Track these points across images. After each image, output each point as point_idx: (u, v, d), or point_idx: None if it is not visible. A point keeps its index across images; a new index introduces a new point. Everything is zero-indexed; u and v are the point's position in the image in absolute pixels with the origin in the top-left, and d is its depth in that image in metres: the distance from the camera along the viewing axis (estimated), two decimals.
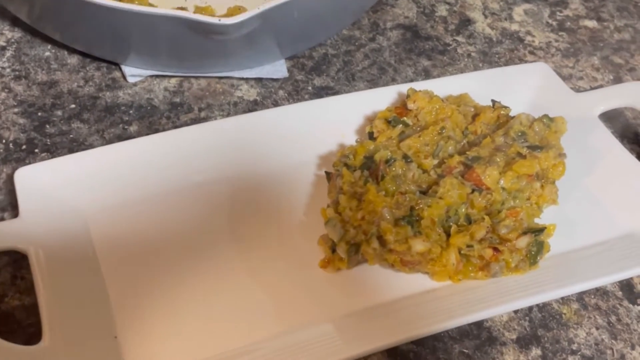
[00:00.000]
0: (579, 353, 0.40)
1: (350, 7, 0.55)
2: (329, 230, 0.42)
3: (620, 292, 0.44)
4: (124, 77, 0.54)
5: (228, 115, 0.52)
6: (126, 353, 0.38)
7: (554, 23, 0.65)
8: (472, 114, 0.49)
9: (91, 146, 0.49)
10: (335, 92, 0.55)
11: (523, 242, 0.41)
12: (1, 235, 0.40)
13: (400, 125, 0.47)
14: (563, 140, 0.47)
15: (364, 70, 0.58)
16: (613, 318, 0.42)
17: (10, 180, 0.45)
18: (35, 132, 0.50)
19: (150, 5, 0.51)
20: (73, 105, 0.52)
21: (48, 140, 0.49)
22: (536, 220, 0.43)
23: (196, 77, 0.55)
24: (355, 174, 0.43)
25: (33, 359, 0.35)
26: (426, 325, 0.39)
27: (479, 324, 0.41)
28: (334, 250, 0.42)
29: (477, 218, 0.42)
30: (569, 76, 0.59)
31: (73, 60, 0.55)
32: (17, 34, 0.57)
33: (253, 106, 0.53)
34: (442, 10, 0.65)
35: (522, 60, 0.60)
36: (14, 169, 0.44)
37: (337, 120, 0.49)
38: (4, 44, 0.56)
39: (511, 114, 0.48)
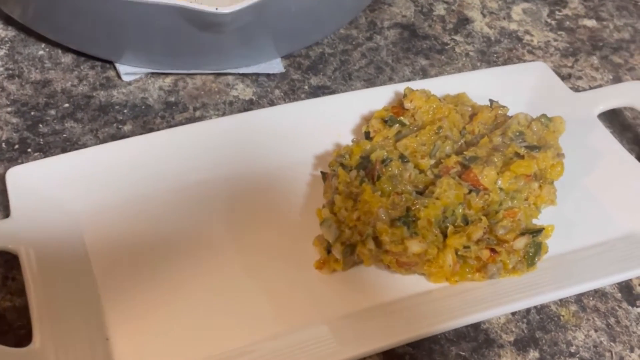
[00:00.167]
0: (578, 355, 0.40)
1: (347, 3, 0.55)
2: (324, 231, 0.41)
3: (619, 294, 0.43)
4: (118, 76, 0.53)
5: (223, 114, 0.52)
6: (118, 355, 0.37)
7: (553, 22, 0.64)
8: (470, 113, 0.48)
9: (84, 146, 0.48)
10: (332, 92, 0.55)
11: (521, 243, 0.40)
12: None
13: (397, 124, 0.46)
14: (562, 141, 0.46)
15: (361, 69, 0.57)
16: (612, 320, 0.42)
17: (1, 180, 0.44)
18: (28, 132, 0.49)
19: None
20: (67, 105, 0.51)
21: (41, 139, 0.49)
22: (534, 221, 0.43)
23: (191, 77, 0.54)
24: (351, 174, 0.43)
25: None
26: (422, 327, 0.38)
27: (476, 326, 0.41)
28: (329, 251, 0.41)
29: (474, 219, 0.41)
30: (568, 76, 0.59)
31: (67, 59, 0.55)
32: (11, 32, 0.56)
33: (249, 105, 0.53)
34: (440, 9, 0.64)
35: (520, 60, 0.60)
36: (6, 169, 0.43)
37: (333, 119, 0.49)
38: None
39: (509, 113, 0.48)
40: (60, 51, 0.55)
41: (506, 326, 0.41)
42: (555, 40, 0.62)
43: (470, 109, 0.48)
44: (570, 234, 0.44)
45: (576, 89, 0.56)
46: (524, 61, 0.59)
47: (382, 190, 0.42)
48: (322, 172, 0.46)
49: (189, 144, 0.46)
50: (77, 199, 0.43)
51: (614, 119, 0.54)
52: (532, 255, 0.41)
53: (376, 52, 0.59)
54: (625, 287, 0.43)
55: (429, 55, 0.59)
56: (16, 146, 0.48)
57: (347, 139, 0.48)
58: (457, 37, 0.61)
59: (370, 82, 0.56)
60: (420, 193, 0.42)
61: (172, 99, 0.53)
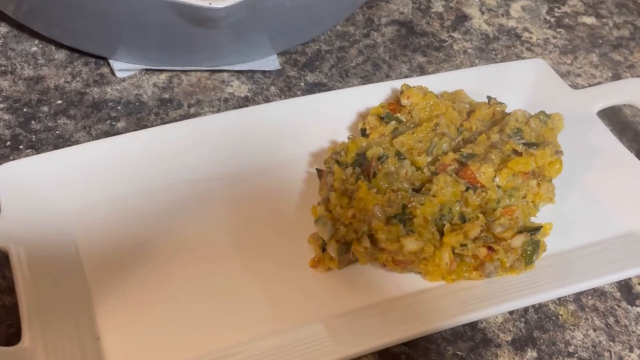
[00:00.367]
0: (576, 355, 0.39)
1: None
2: (319, 229, 0.41)
3: (618, 293, 0.42)
4: (112, 72, 0.53)
5: (218, 111, 0.51)
6: (108, 354, 0.37)
7: (552, 19, 0.64)
8: (467, 110, 0.48)
9: (77, 143, 0.48)
10: (329, 89, 0.54)
11: (518, 241, 0.40)
12: None
13: (394, 121, 0.46)
14: (561, 138, 0.46)
15: (358, 66, 0.57)
16: (611, 319, 0.41)
17: None
18: (20, 128, 0.48)
19: None
20: (60, 101, 0.51)
21: (33, 136, 0.48)
22: (532, 219, 0.43)
23: (186, 73, 0.54)
24: (347, 171, 0.42)
25: (11, 359, 0.34)
26: (418, 326, 0.38)
27: (473, 326, 0.40)
28: (324, 249, 0.41)
29: (471, 216, 0.41)
30: (567, 73, 0.58)
31: (60, 55, 0.54)
32: (4, 29, 0.56)
33: (244, 102, 0.52)
34: (438, 6, 0.64)
35: (519, 57, 0.59)
36: None
37: (329, 116, 0.48)
38: None
39: (508, 111, 0.47)
40: (53, 47, 0.55)
41: (504, 325, 0.40)
42: (554, 37, 0.62)
43: (467, 106, 0.48)
44: (568, 232, 0.44)
45: (575, 87, 0.56)
46: (523, 58, 0.59)
47: (378, 187, 0.41)
48: (317, 169, 0.46)
49: (182, 141, 0.45)
50: (69, 196, 0.43)
51: (614, 116, 0.54)
52: (530, 253, 0.40)
53: (373, 49, 0.58)
54: (625, 286, 0.43)
55: (426, 52, 0.59)
56: (8, 143, 0.47)
57: (343, 136, 0.48)
58: (455, 34, 0.61)
59: (367, 79, 0.55)
60: (417, 190, 0.42)
61: (167, 95, 0.52)
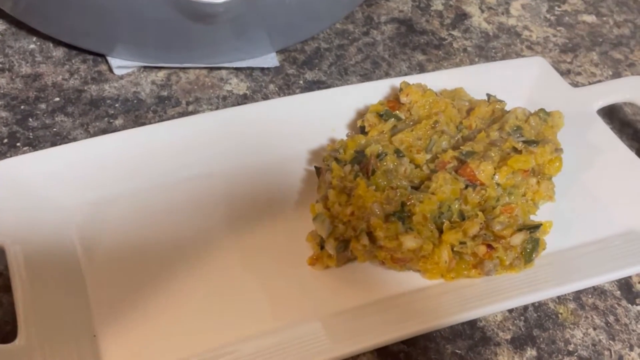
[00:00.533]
0: (576, 354, 0.39)
1: None
2: (317, 226, 0.40)
3: (618, 292, 0.42)
4: (110, 69, 0.53)
5: (217, 109, 0.51)
6: (105, 352, 0.36)
7: (552, 18, 0.63)
8: (467, 108, 0.47)
9: (75, 140, 0.47)
10: (328, 87, 0.54)
11: (518, 239, 0.40)
12: None
13: (393, 119, 0.46)
14: (561, 136, 0.45)
15: (357, 64, 0.56)
16: (611, 318, 0.41)
17: None
18: (18, 126, 0.48)
19: None
20: (57, 99, 0.50)
21: (31, 133, 0.48)
22: (532, 217, 0.42)
23: (185, 71, 0.53)
24: (345, 168, 0.42)
25: (7, 357, 0.34)
26: (417, 324, 0.37)
27: (472, 324, 0.40)
28: (322, 247, 0.40)
29: (470, 214, 0.40)
30: (567, 71, 0.58)
31: (58, 52, 0.54)
32: (2, 26, 0.56)
33: (242, 100, 0.52)
34: (437, 4, 0.63)
35: (519, 56, 0.59)
36: None
37: (327, 114, 0.48)
38: None
39: (507, 108, 0.47)
40: (51, 45, 0.54)
41: (503, 324, 0.40)
42: (555, 35, 0.61)
43: (467, 104, 0.47)
44: (568, 230, 0.43)
45: (575, 85, 0.56)
46: (523, 57, 0.59)
47: (376, 185, 0.41)
48: (315, 167, 0.45)
49: (180, 138, 0.45)
50: (66, 193, 0.42)
51: (614, 114, 0.54)
52: (530, 251, 0.40)
53: (373, 47, 0.58)
54: (625, 285, 0.43)
55: (426, 50, 0.58)
56: (5, 140, 0.47)
57: (341, 134, 0.48)
58: (455, 33, 0.61)
59: (366, 77, 0.55)
60: (416, 188, 0.42)
61: (165, 93, 0.52)
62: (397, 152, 0.43)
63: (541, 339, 0.40)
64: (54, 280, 0.38)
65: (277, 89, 0.53)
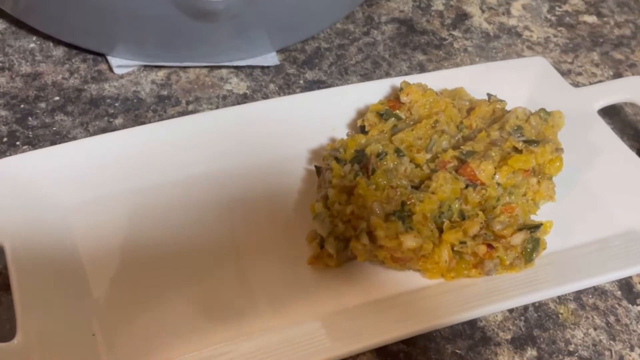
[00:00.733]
0: (576, 354, 0.39)
1: None
2: (317, 225, 0.40)
3: (619, 292, 0.42)
4: (110, 69, 0.53)
5: (217, 108, 0.51)
6: (104, 351, 0.36)
7: (553, 18, 0.63)
8: (467, 107, 0.47)
9: (74, 139, 0.47)
10: (328, 86, 0.54)
11: (518, 238, 0.40)
12: None
13: (393, 118, 0.45)
14: (561, 136, 0.45)
15: (358, 64, 0.56)
16: (611, 318, 0.41)
17: None
18: (18, 125, 0.48)
19: None
20: (57, 98, 0.50)
21: (30, 132, 0.48)
22: (532, 216, 0.42)
23: (185, 70, 0.53)
24: (345, 167, 0.42)
25: (5, 356, 0.34)
26: (417, 324, 0.37)
27: (472, 324, 0.40)
28: (322, 247, 0.40)
29: (471, 214, 0.40)
30: (568, 72, 0.58)
31: (58, 52, 0.54)
32: (2, 25, 0.55)
33: (243, 99, 0.52)
34: (438, 4, 0.63)
35: (519, 56, 0.59)
36: None
37: (328, 113, 0.48)
38: None
39: (508, 109, 0.47)
40: (51, 44, 0.54)
41: (503, 324, 0.40)
42: (555, 36, 0.61)
43: (467, 103, 0.47)
44: (569, 230, 0.43)
45: (576, 85, 0.56)
46: (523, 57, 0.58)
47: (376, 184, 0.41)
48: (316, 166, 0.45)
49: (180, 138, 0.45)
50: (65, 192, 0.42)
51: (615, 115, 0.53)
52: (530, 251, 0.40)
53: (373, 47, 0.58)
54: (625, 285, 0.42)
55: (426, 50, 0.58)
56: (5, 139, 0.47)
57: (341, 133, 0.48)
58: (456, 33, 0.60)
59: (366, 77, 0.55)
60: (416, 187, 0.41)
61: (165, 92, 0.52)
62: (398, 151, 0.43)
63: (541, 339, 0.39)
64: (53, 279, 0.38)
65: (277, 88, 0.53)
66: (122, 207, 0.43)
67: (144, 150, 0.44)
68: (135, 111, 0.50)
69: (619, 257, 0.41)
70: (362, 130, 0.46)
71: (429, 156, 0.43)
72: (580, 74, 0.58)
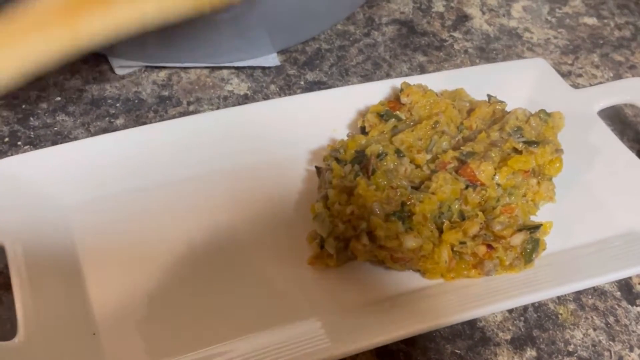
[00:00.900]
0: (576, 355, 0.39)
1: None
2: (317, 226, 0.40)
3: (618, 292, 0.42)
4: (111, 69, 0.53)
5: (218, 109, 0.51)
6: (105, 350, 0.36)
7: (553, 20, 0.63)
8: (468, 108, 0.47)
9: (76, 139, 0.48)
10: (328, 87, 0.54)
11: (518, 239, 0.40)
12: None
13: (393, 119, 0.46)
14: (561, 137, 0.45)
15: (358, 65, 0.56)
16: (611, 319, 0.41)
17: None
18: (19, 125, 0.48)
19: None
20: (58, 98, 0.51)
21: (32, 133, 0.48)
22: (532, 217, 0.42)
23: (186, 71, 0.53)
24: (346, 168, 0.42)
25: (6, 355, 0.34)
26: (417, 324, 0.37)
27: (472, 324, 0.40)
28: (322, 247, 0.40)
29: (470, 214, 0.40)
30: (568, 73, 0.58)
31: None
32: None
33: (243, 100, 0.52)
34: (439, 5, 0.63)
35: (519, 57, 0.59)
36: None
37: (328, 114, 0.48)
38: None
39: (508, 109, 0.47)
40: None
41: (503, 324, 0.40)
42: (555, 37, 0.61)
43: (468, 104, 0.47)
44: (569, 231, 0.43)
45: (576, 87, 0.56)
46: (524, 58, 0.59)
47: (377, 184, 0.41)
48: (316, 167, 0.45)
49: (181, 138, 0.45)
50: (66, 192, 0.43)
51: (615, 116, 0.54)
52: (530, 251, 0.40)
53: (373, 48, 0.58)
54: (625, 286, 0.43)
55: (427, 51, 0.58)
56: (6, 139, 0.47)
57: (342, 134, 0.48)
58: (456, 34, 0.61)
59: (367, 78, 0.55)
60: (416, 188, 0.42)
61: (166, 93, 0.52)
62: (398, 152, 0.43)
63: (541, 340, 0.40)
64: (54, 279, 0.38)
65: (278, 89, 0.53)
66: (123, 207, 0.43)
67: (144, 151, 0.44)
68: (137, 112, 0.50)
69: (618, 258, 0.41)
70: (363, 131, 0.46)
71: (429, 157, 0.44)
72: (580, 75, 0.58)
